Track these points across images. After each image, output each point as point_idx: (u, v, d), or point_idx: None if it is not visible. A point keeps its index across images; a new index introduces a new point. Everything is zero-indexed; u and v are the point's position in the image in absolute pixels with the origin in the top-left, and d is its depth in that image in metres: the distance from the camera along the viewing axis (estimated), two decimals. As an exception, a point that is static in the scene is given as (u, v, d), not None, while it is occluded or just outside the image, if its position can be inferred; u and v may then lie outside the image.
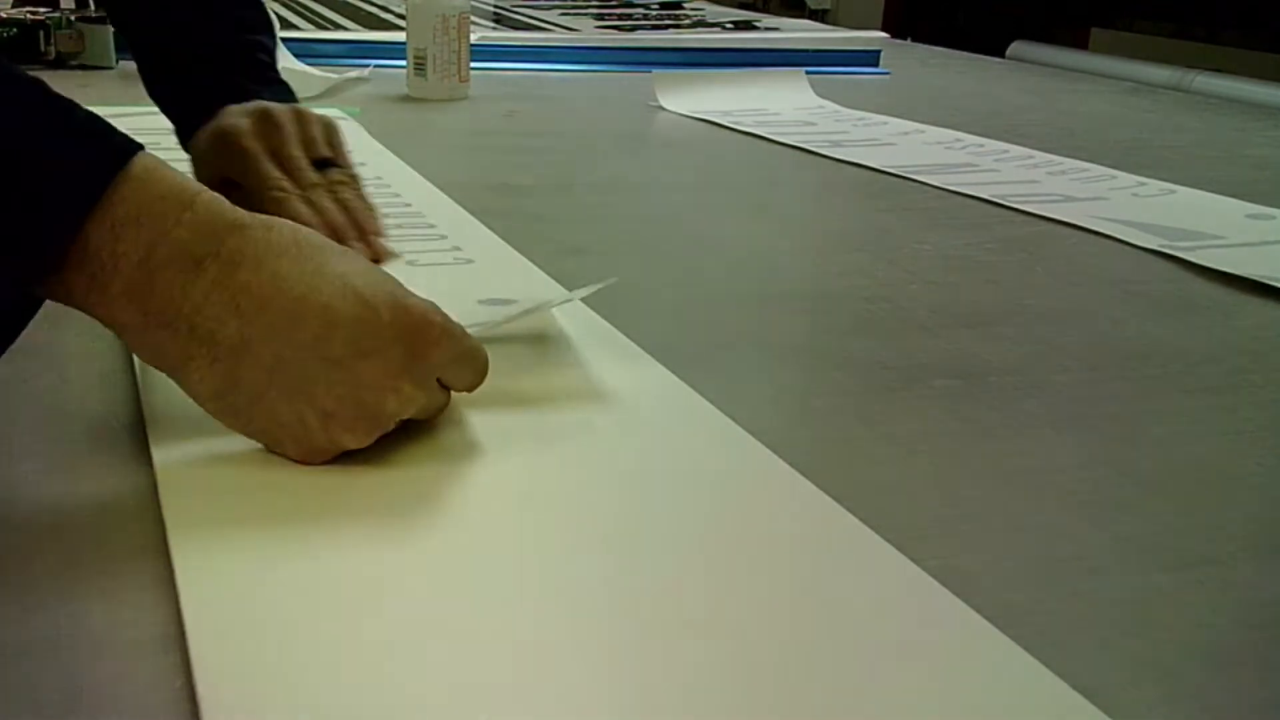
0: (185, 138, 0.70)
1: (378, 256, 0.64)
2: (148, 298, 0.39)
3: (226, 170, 0.65)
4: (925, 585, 0.38)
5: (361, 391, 0.42)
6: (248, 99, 0.69)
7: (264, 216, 0.42)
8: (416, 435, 0.46)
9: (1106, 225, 0.85)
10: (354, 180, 0.69)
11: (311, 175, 0.66)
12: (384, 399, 0.42)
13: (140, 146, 0.39)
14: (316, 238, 0.43)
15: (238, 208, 0.41)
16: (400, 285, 0.44)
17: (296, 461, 0.42)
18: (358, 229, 0.65)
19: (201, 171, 0.66)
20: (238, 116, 0.67)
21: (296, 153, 0.67)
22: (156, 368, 0.41)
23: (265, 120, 0.67)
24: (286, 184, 0.65)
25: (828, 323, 0.65)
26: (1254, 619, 0.38)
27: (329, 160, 0.68)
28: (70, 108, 0.39)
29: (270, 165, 0.65)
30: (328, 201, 0.66)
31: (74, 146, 0.38)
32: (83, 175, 0.38)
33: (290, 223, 0.43)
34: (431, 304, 0.44)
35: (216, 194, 0.41)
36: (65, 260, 0.38)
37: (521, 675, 0.33)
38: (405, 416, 0.44)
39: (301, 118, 0.69)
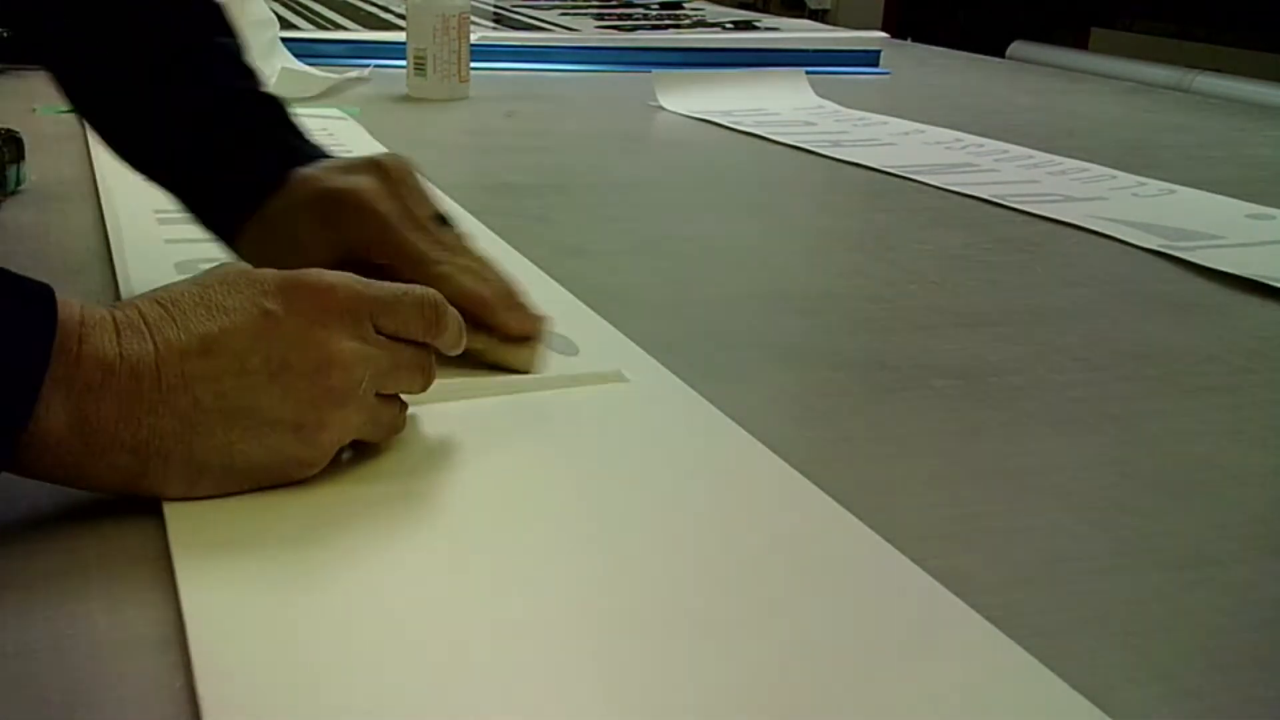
0: (235, 214, 0.55)
1: (532, 327, 0.54)
2: (84, 426, 0.37)
3: (348, 242, 0.52)
4: (925, 585, 0.38)
5: (308, 384, 0.40)
6: (297, 153, 0.56)
7: (123, 303, 0.40)
8: (417, 437, 0.46)
9: (1106, 225, 0.85)
10: (466, 234, 0.57)
11: (449, 239, 0.55)
12: (329, 374, 0.41)
13: (46, 288, 0.37)
14: (163, 292, 0.40)
15: (92, 304, 0.39)
16: (271, 270, 0.42)
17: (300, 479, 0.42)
18: (509, 294, 0.54)
19: (310, 251, 0.51)
20: (350, 175, 0.54)
21: (425, 213, 0.54)
22: (120, 492, 0.39)
23: (388, 178, 0.54)
24: (444, 255, 0.53)
25: (828, 323, 0.65)
26: (1254, 619, 0.38)
27: (441, 215, 0.56)
28: None
29: (416, 236, 0.53)
30: (488, 272, 0.54)
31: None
32: (19, 367, 0.36)
33: (145, 294, 0.41)
34: (320, 270, 0.42)
35: (65, 297, 0.38)
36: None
37: (520, 672, 0.33)
38: (369, 381, 0.42)
39: (409, 166, 0.56)
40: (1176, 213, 0.90)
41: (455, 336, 0.46)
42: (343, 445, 0.43)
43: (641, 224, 0.85)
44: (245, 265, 0.43)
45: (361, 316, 0.42)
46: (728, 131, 1.19)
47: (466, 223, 0.77)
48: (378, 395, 0.43)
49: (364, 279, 0.43)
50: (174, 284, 0.41)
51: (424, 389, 0.45)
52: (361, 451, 0.44)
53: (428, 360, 0.45)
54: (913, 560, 0.39)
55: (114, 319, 0.39)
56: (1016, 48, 2.01)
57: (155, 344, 0.38)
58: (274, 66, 1.21)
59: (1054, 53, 1.98)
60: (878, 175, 1.01)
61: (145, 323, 0.39)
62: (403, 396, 0.45)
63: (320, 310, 0.41)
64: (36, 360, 0.36)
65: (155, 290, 0.41)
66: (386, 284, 0.43)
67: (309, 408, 0.40)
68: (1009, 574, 0.40)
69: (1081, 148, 1.13)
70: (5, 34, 1.31)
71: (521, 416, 0.49)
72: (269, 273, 0.42)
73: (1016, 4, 2.93)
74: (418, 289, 0.44)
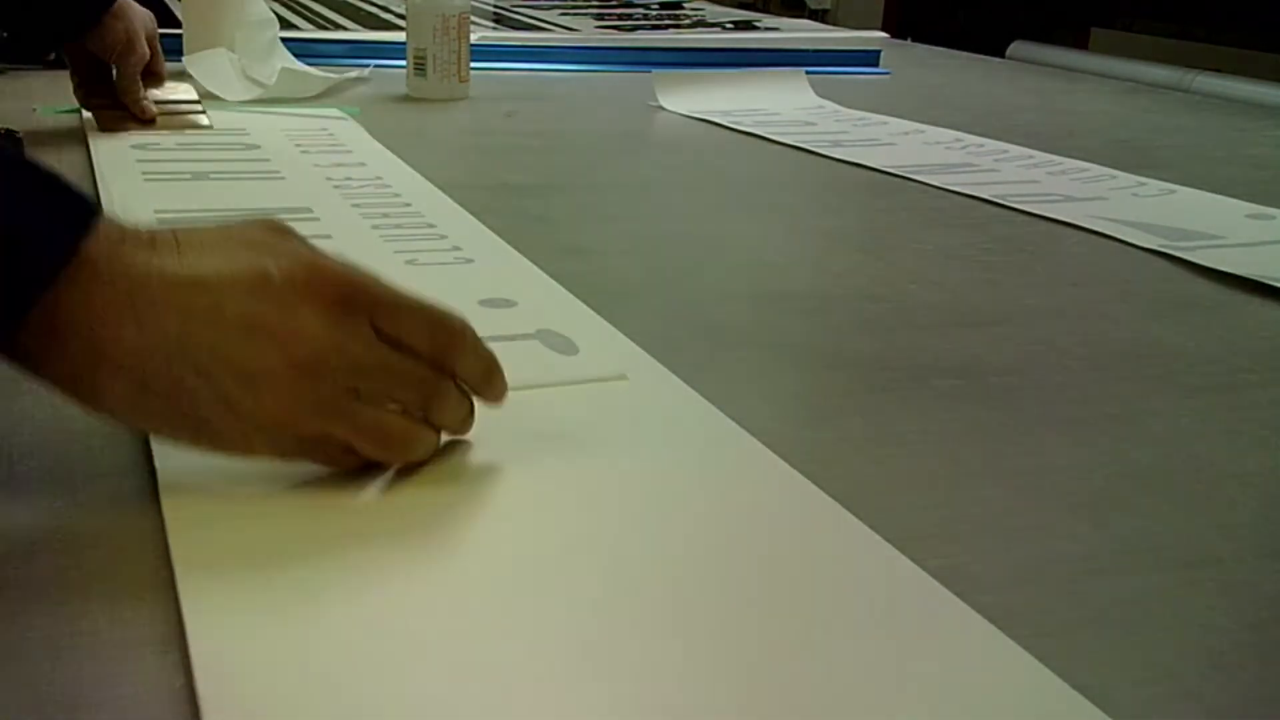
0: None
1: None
2: (101, 346, 0.37)
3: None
4: (925, 585, 0.38)
5: (277, 350, 0.39)
6: None
7: (143, 224, 0.40)
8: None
9: (1106, 225, 0.85)
10: None
11: None
12: (298, 344, 0.39)
13: (89, 204, 0.39)
14: (184, 229, 0.41)
15: (117, 222, 0.39)
16: (291, 241, 0.42)
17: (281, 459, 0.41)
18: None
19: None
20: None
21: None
22: (58, 391, 0.39)
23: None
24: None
25: (828, 323, 0.65)
26: (1254, 619, 0.38)
27: None
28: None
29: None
30: None
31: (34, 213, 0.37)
32: (49, 237, 0.37)
33: (162, 229, 0.41)
34: (336, 257, 0.41)
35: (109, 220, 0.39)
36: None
37: (519, 671, 0.33)
38: (345, 375, 0.40)
39: None
40: (1176, 213, 0.90)
41: (473, 367, 0.43)
42: (309, 437, 0.40)
43: (641, 224, 0.85)
44: (277, 219, 0.43)
45: (355, 309, 0.40)
46: (728, 131, 1.19)
47: (466, 223, 0.78)
48: (375, 408, 0.41)
49: (378, 278, 0.41)
50: (200, 225, 0.41)
51: (430, 414, 0.43)
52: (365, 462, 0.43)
53: (434, 384, 0.42)
54: (913, 560, 0.39)
55: (135, 236, 0.39)
56: (1016, 48, 2.01)
57: (153, 265, 0.38)
58: (274, 66, 1.21)
59: (1054, 53, 1.97)
60: (878, 175, 1.01)
61: (154, 245, 0.39)
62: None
63: (312, 285, 0.40)
64: (65, 247, 0.37)
65: (180, 226, 0.41)
66: (398, 287, 0.42)
67: (263, 365, 0.39)
68: (1009, 574, 0.40)
69: (1081, 148, 1.13)
70: (4, 35, 1.31)
71: (520, 416, 0.49)
72: (284, 243, 0.41)
73: (1016, 4, 2.93)
74: (440, 307, 0.42)
